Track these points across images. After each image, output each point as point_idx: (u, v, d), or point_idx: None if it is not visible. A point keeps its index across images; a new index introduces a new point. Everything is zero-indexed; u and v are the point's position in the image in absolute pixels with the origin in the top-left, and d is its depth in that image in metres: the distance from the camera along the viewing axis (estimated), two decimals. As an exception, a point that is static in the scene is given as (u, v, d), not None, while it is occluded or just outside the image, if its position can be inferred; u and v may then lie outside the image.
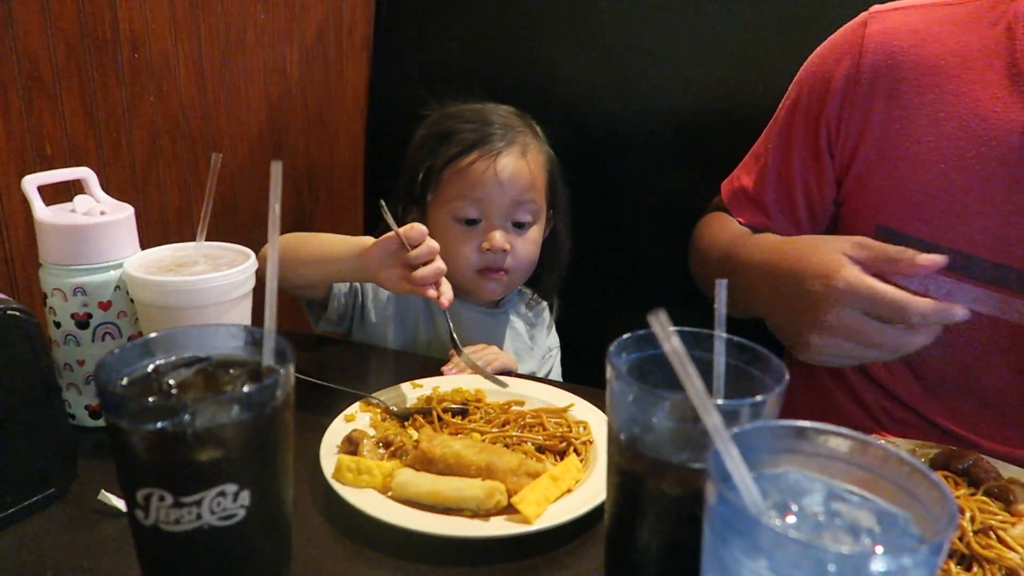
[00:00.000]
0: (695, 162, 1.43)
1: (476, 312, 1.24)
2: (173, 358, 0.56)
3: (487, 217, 1.16)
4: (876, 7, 1.01)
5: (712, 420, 0.40)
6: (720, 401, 0.51)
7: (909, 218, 0.95)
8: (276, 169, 0.56)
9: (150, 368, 0.55)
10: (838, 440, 0.46)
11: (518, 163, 1.15)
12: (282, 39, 1.44)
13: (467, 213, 1.15)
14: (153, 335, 0.55)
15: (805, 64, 1.08)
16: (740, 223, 1.13)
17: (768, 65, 1.34)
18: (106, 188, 0.89)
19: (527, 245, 1.19)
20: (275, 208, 0.56)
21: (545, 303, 1.35)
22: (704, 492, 0.52)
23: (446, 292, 0.95)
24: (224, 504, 0.50)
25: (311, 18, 1.50)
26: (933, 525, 0.41)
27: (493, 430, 0.86)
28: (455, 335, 1.05)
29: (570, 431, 0.86)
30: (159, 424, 0.47)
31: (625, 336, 0.58)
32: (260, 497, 0.51)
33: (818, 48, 1.07)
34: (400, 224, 1.23)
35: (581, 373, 1.20)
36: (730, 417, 0.50)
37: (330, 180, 1.67)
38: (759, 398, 0.50)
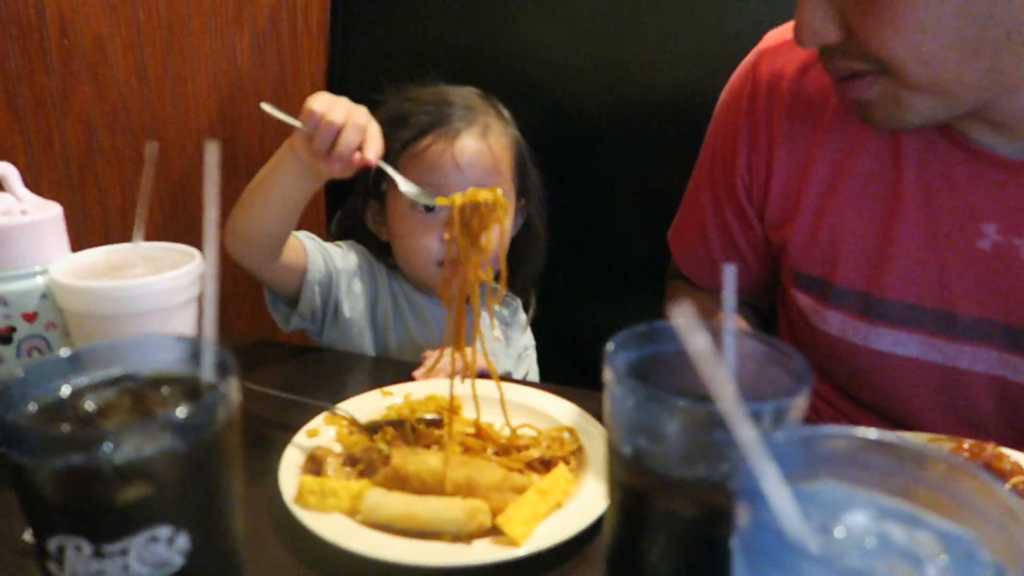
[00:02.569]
0: (677, 148, 1.36)
1: (439, 315, 1.16)
2: (94, 376, 0.47)
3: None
4: (765, 44, 0.95)
5: (746, 434, 0.33)
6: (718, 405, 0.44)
7: (819, 262, 0.90)
8: (212, 150, 0.48)
9: (66, 390, 0.46)
10: (882, 446, 0.39)
11: (478, 144, 1.07)
12: (231, 24, 1.35)
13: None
14: (66, 351, 0.47)
15: (715, 110, 1.03)
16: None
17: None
18: (36, 188, 0.80)
19: (491, 234, 1.10)
20: (211, 195, 0.47)
21: (518, 300, 1.27)
22: (722, 511, 0.45)
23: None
24: (157, 551, 0.41)
25: (262, 2, 1.41)
26: (1008, 547, 0.35)
27: (471, 438, 0.78)
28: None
29: (556, 442, 0.78)
30: (71, 459, 0.39)
31: (623, 332, 0.51)
32: (202, 539, 0.43)
33: (721, 94, 1.01)
34: (362, 215, 1.15)
35: (558, 372, 1.13)
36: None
37: (288, 175, 1.57)
38: (783, 401, 0.43)
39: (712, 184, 1.01)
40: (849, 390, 0.96)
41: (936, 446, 0.56)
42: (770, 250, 1.00)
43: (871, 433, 0.40)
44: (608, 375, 0.48)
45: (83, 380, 0.47)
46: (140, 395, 0.46)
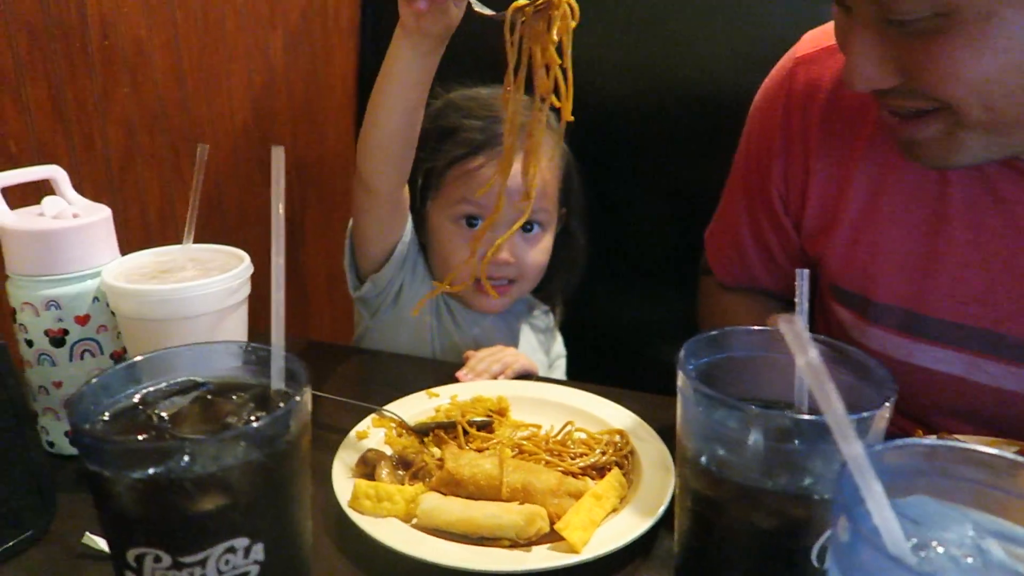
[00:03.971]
0: (704, 147, 1.34)
1: (482, 317, 1.15)
2: (164, 384, 0.47)
3: (492, 225, 1.06)
4: (802, 51, 0.91)
5: (853, 450, 0.32)
6: (815, 417, 0.43)
7: (858, 278, 0.88)
8: (278, 155, 0.47)
9: (136, 398, 0.46)
10: (980, 459, 0.38)
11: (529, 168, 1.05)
12: (264, 24, 1.34)
13: (469, 211, 1.06)
14: (138, 358, 0.46)
15: (748, 116, 1.00)
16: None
17: (784, 42, 1.26)
18: (79, 189, 0.80)
19: (536, 254, 1.10)
20: (278, 207, 0.47)
21: (547, 307, 1.26)
22: (802, 522, 0.44)
23: None
24: (234, 562, 0.41)
25: (294, 1, 1.41)
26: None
27: (523, 442, 0.78)
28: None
29: (611, 444, 0.77)
30: (150, 471, 0.39)
31: (695, 338, 0.50)
32: (276, 549, 0.43)
33: (755, 99, 0.98)
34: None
35: (584, 376, 1.11)
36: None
37: (319, 173, 1.57)
38: (866, 413, 0.42)
39: (747, 191, 0.99)
40: None
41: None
42: (807, 258, 0.98)
43: (965, 445, 0.38)
44: (682, 383, 0.47)
45: (151, 388, 0.47)
46: (211, 403, 0.46)
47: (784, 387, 0.49)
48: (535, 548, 0.63)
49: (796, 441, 0.42)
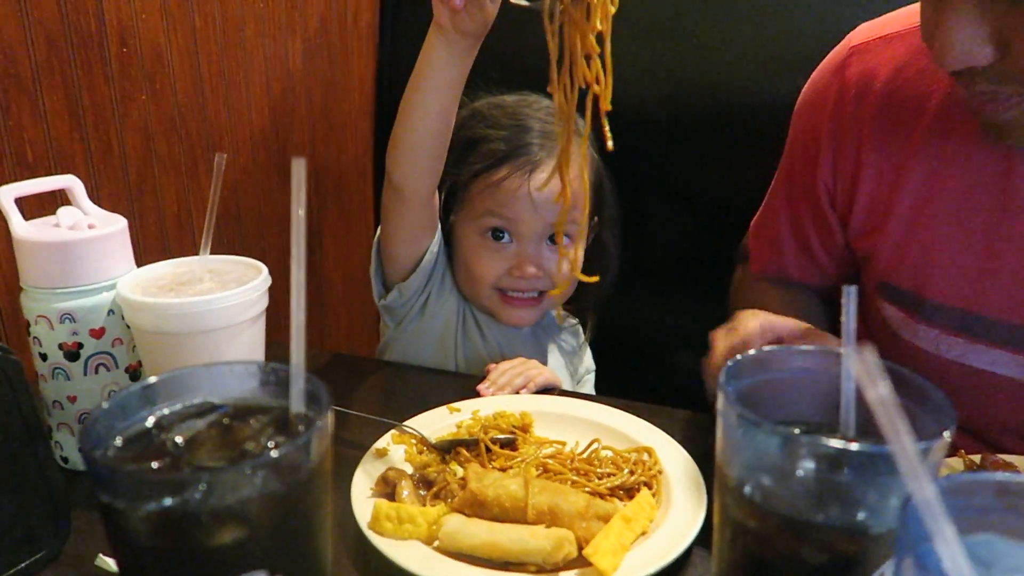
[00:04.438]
0: (731, 151, 1.32)
1: (510, 330, 1.13)
2: (179, 406, 0.45)
3: (518, 238, 1.04)
4: (857, 40, 0.88)
5: (923, 491, 0.29)
6: (871, 447, 0.40)
7: (911, 275, 0.85)
8: (299, 167, 0.45)
9: (151, 421, 0.44)
10: (1052, 496, 0.35)
11: (557, 180, 1.02)
12: (283, 30, 1.33)
13: (496, 224, 1.04)
14: (152, 380, 0.44)
15: (796, 106, 0.97)
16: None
17: (814, 45, 1.22)
18: (96, 199, 0.79)
19: (567, 266, 1.06)
20: (298, 213, 0.45)
21: (577, 321, 1.23)
22: (853, 558, 0.42)
23: None
24: (252, 597, 0.39)
25: (313, 6, 1.39)
26: None
27: (548, 460, 0.75)
28: None
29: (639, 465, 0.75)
30: (165, 503, 0.36)
31: (736, 359, 0.47)
32: (296, 582, 0.41)
33: (804, 89, 0.96)
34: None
35: (613, 391, 1.08)
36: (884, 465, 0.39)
37: (338, 180, 1.56)
38: (923, 444, 0.39)
39: (789, 186, 0.97)
40: None
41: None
42: (850, 257, 0.95)
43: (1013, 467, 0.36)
44: (723, 406, 0.44)
45: (167, 411, 0.45)
46: (229, 428, 0.44)
47: (828, 409, 0.47)
48: (562, 574, 0.61)
49: (849, 472, 0.39)
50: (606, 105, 0.75)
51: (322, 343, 1.56)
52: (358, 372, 1.03)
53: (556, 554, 0.60)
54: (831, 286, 1.02)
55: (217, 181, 0.73)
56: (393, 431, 0.80)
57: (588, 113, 0.76)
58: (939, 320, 0.82)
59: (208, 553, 0.38)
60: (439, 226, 1.05)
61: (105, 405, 0.42)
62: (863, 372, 0.27)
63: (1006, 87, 0.65)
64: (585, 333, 1.22)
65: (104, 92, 1.00)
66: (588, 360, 1.22)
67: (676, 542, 0.63)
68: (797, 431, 0.40)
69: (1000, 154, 0.76)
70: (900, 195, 0.83)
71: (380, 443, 0.77)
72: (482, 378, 0.95)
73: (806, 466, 0.40)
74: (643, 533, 0.66)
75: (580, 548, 0.62)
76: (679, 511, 0.68)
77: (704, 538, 0.66)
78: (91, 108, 0.99)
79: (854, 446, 0.38)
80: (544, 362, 1.11)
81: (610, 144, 0.76)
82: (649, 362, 1.45)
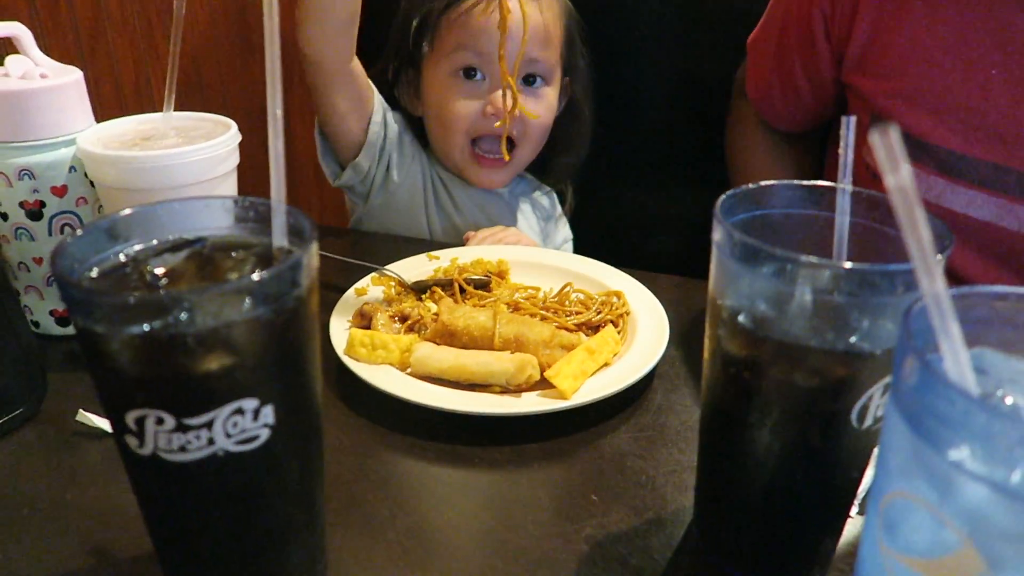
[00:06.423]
0: (727, 38, 1.27)
1: (481, 194, 1.10)
2: (154, 241, 0.43)
3: (491, 74, 1.00)
4: None
5: (934, 287, 0.28)
6: (858, 265, 0.39)
7: (902, 110, 0.85)
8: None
9: (123, 256, 0.42)
10: (1049, 308, 0.35)
11: (527, 9, 0.97)
12: None
13: (467, 61, 0.99)
14: (123, 212, 0.42)
15: None
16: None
17: None
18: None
19: (539, 108, 1.03)
20: (274, 54, 0.41)
21: (554, 192, 1.21)
22: (844, 380, 0.42)
23: None
24: (243, 424, 0.38)
25: None
26: None
27: (521, 299, 0.76)
28: None
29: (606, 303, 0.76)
30: (147, 325, 0.35)
31: (730, 193, 0.46)
32: (288, 412, 0.40)
33: None
34: (392, 85, 1.08)
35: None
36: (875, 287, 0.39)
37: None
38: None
39: (785, 18, 0.97)
40: None
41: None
42: (836, 91, 0.95)
43: (1033, 292, 0.35)
44: (719, 235, 0.43)
45: (140, 246, 0.43)
46: (208, 260, 0.42)
47: (822, 246, 0.46)
48: (525, 394, 0.63)
49: (845, 293, 0.39)
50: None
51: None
52: (336, 241, 1.01)
53: (519, 376, 0.63)
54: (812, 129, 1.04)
55: (177, 28, 0.68)
56: (373, 274, 0.80)
57: None
58: (924, 159, 0.83)
59: (196, 379, 0.36)
60: (376, 96, 1.01)
61: (76, 236, 0.39)
62: (884, 156, 0.26)
63: None
64: (564, 204, 1.21)
65: (45, -60, 0.93)
66: (565, 229, 1.21)
67: (633, 371, 0.66)
68: (795, 255, 0.39)
69: None
70: (899, 26, 0.82)
71: (360, 284, 0.79)
72: (460, 247, 0.94)
73: (802, 290, 0.39)
74: (606, 364, 0.68)
75: (543, 372, 0.65)
76: (640, 347, 0.69)
77: (668, 370, 0.70)
78: (32, -42, 0.91)
79: (851, 265, 0.38)
80: (520, 228, 1.09)
81: None
82: (629, 243, 1.45)
